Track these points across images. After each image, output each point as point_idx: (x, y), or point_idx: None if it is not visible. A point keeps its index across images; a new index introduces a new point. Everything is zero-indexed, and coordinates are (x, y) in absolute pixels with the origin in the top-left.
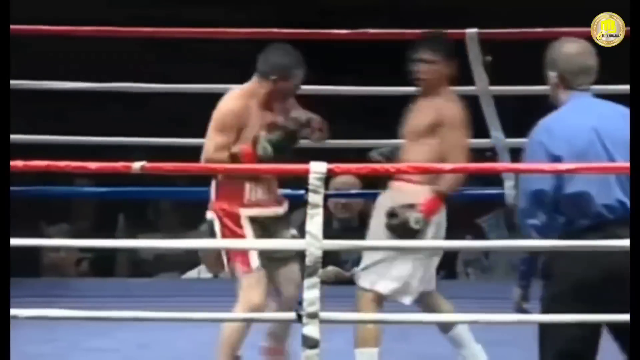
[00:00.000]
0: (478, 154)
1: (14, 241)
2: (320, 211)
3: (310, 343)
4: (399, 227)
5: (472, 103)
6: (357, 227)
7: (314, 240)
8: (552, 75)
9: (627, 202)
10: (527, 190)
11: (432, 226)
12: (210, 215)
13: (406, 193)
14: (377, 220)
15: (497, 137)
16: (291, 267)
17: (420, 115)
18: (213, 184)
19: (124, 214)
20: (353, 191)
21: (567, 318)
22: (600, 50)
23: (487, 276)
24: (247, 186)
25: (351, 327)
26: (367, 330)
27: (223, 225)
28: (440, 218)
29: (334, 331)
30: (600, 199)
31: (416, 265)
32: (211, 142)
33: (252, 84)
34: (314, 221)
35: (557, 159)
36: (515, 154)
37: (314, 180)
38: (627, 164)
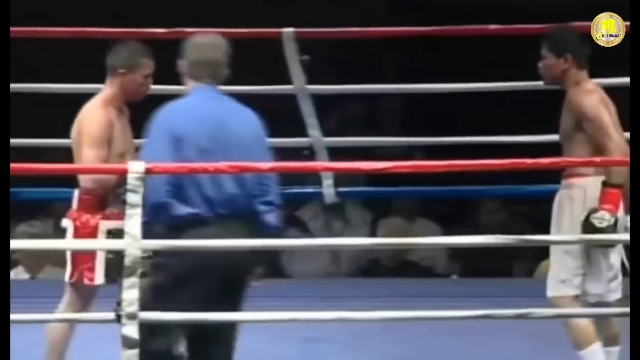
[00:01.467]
0: (296, 153)
1: None
2: (139, 211)
3: (129, 344)
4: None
5: (290, 102)
6: None
7: (132, 240)
8: (181, 64)
9: (241, 197)
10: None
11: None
12: (66, 222)
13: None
14: (569, 219)
15: (315, 136)
16: None
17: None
18: (75, 192)
19: None
20: None
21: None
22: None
23: None
24: (109, 198)
25: None
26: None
27: (77, 236)
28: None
29: None
30: (214, 192)
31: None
32: (88, 157)
33: (106, 89)
34: (133, 221)
35: (179, 139)
36: (334, 153)
37: (132, 180)
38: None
